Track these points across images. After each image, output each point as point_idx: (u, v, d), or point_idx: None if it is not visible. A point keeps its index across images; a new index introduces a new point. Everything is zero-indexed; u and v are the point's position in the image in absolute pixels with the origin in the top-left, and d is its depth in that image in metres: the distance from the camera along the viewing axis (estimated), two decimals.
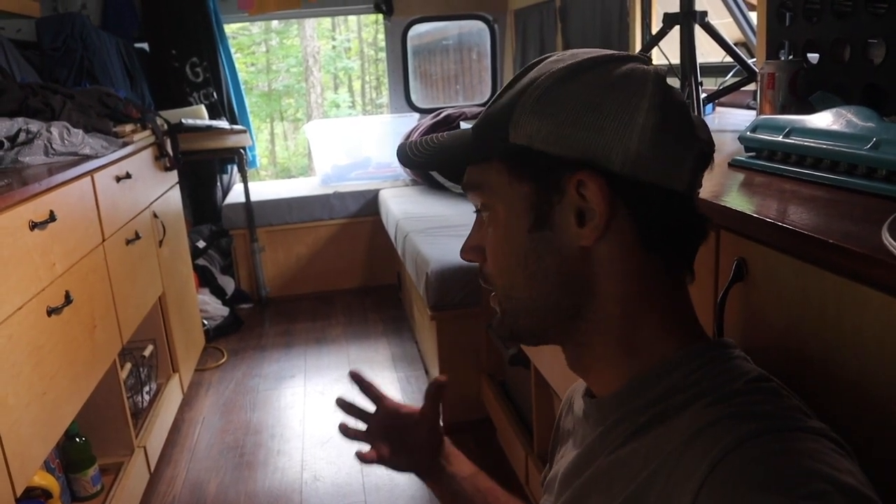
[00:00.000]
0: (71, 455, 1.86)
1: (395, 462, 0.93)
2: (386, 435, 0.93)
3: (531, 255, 0.61)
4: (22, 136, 1.85)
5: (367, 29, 9.19)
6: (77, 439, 1.86)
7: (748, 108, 1.87)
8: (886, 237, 0.60)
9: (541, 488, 0.87)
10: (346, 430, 0.94)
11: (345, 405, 0.96)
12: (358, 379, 0.96)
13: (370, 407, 0.96)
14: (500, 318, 0.66)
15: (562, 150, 0.58)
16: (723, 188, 0.92)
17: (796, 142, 0.92)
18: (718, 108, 1.89)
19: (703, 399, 0.55)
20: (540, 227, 0.60)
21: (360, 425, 0.95)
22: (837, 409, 0.64)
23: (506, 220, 0.62)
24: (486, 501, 0.92)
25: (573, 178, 0.57)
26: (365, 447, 0.93)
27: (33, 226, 1.48)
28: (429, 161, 0.68)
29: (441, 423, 0.94)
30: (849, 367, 0.64)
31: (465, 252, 0.68)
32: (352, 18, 8.98)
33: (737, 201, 0.84)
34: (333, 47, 9.55)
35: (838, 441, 0.50)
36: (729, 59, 1.72)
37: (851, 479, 0.46)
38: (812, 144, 0.90)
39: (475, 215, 0.68)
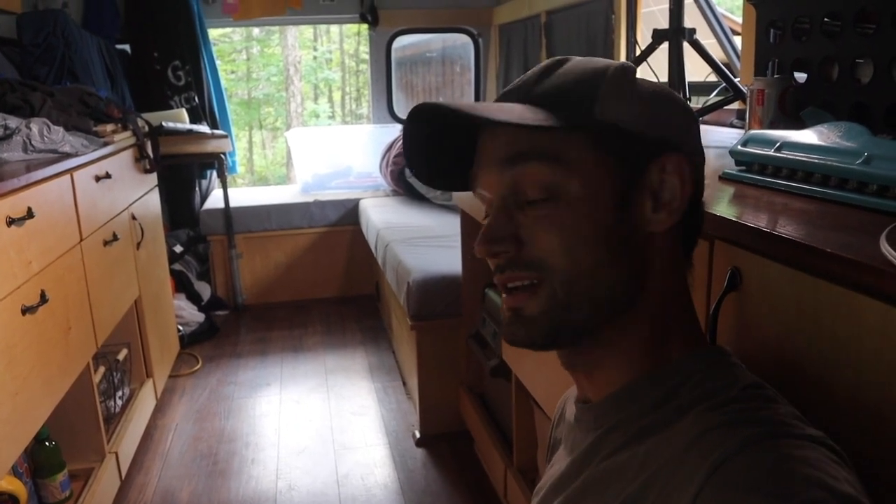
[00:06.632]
0: (40, 459, 1.81)
1: None
2: None
3: (613, 236, 0.58)
4: (0, 132, 1.81)
5: (348, 40, 9.20)
6: (47, 443, 1.81)
7: (731, 126, 1.90)
8: (885, 247, 0.61)
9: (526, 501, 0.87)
10: None
11: None
12: None
13: None
14: (544, 312, 0.59)
15: (648, 132, 0.59)
16: (714, 199, 0.93)
17: (788, 156, 0.93)
18: (701, 126, 1.92)
19: (701, 405, 0.55)
20: (624, 206, 0.58)
21: None
22: (833, 417, 0.65)
23: (587, 198, 0.57)
24: None
25: (658, 159, 0.59)
26: None
27: (10, 222, 1.44)
28: (473, 113, 0.56)
29: None
30: (844, 375, 0.64)
31: (497, 242, 0.59)
32: (334, 29, 9.00)
33: (729, 212, 0.84)
34: (315, 58, 9.54)
35: (835, 449, 0.50)
36: (712, 77, 1.75)
37: (848, 487, 0.46)
38: (804, 158, 0.91)
39: (486, 204, 0.63)
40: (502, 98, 0.63)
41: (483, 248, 0.60)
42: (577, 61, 0.62)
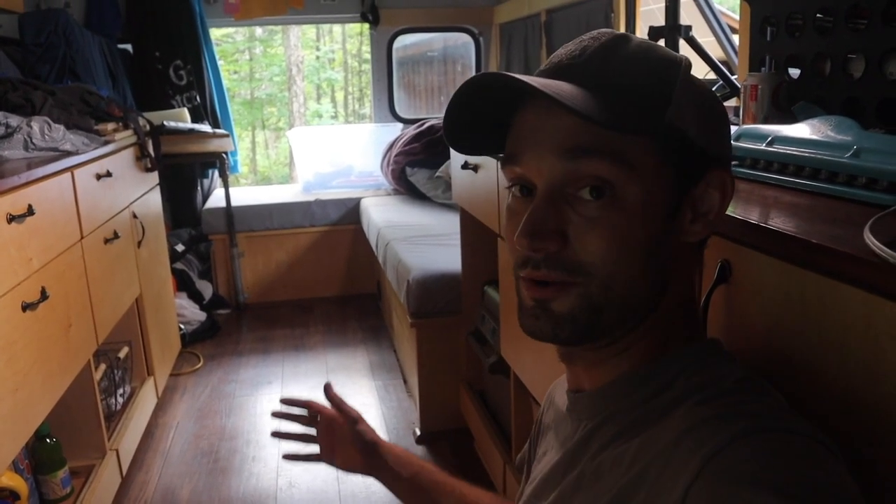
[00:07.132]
0: (41, 456, 1.82)
1: (335, 461, 1.03)
2: (328, 439, 1.04)
3: (656, 245, 0.57)
4: (1, 130, 1.82)
5: (351, 40, 9.21)
6: (48, 440, 1.82)
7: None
8: (869, 237, 0.61)
9: (517, 494, 0.87)
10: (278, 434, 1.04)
11: (284, 413, 1.07)
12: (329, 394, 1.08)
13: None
14: (573, 312, 0.57)
15: (706, 145, 0.59)
16: None
17: (779, 150, 0.94)
18: None
19: (693, 398, 0.55)
20: (674, 216, 0.58)
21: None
22: (822, 408, 0.65)
23: (643, 205, 0.55)
24: (430, 499, 0.95)
25: (709, 174, 0.58)
26: (295, 447, 1.06)
27: (11, 219, 1.45)
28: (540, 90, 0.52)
29: (358, 423, 1.01)
30: (832, 365, 0.65)
31: (542, 238, 0.55)
32: (336, 30, 9.01)
33: None
34: (317, 58, 9.56)
35: (825, 441, 0.50)
36: (711, 75, 1.75)
37: (838, 478, 0.46)
38: (795, 153, 0.91)
39: (516, 195, 0.60)
40: (556, 73, 0.58)
41: (527, 242, 0.56)
42: (642, 45, 0.59)
